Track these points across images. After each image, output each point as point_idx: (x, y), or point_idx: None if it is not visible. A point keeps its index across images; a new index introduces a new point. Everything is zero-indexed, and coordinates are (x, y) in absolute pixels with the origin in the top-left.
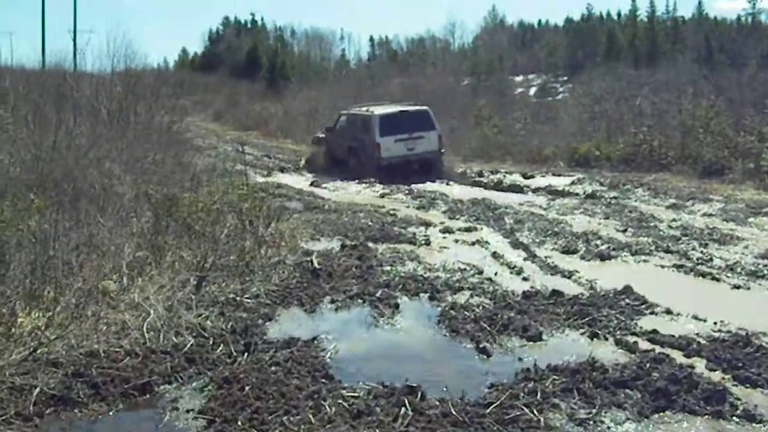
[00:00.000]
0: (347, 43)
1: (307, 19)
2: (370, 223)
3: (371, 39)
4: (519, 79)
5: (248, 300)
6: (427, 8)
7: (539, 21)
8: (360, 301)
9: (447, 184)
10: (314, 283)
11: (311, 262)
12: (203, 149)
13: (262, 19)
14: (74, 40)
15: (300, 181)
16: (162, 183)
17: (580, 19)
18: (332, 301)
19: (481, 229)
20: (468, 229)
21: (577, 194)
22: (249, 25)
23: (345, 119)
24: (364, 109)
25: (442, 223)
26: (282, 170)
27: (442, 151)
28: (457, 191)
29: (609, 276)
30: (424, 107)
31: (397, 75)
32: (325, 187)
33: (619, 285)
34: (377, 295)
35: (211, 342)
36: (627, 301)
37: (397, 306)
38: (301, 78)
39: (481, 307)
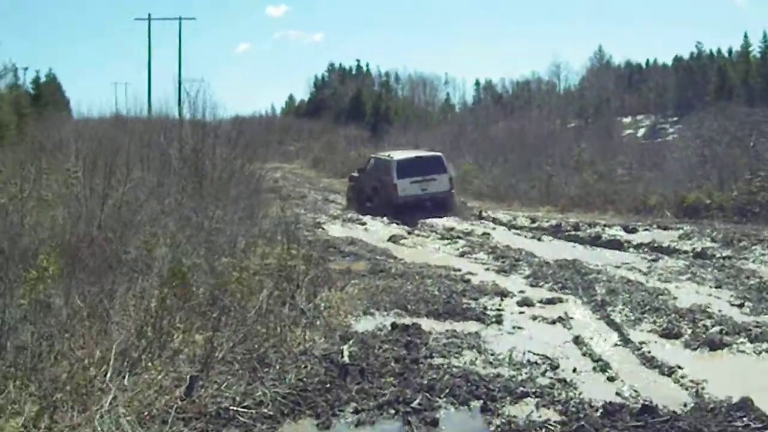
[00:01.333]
0: (452, 87)
1: (411, 64)
2: (436, 293)
3: (476, 82)
4: (627, 120)
5: (247, 410)
6: (532, 50)
7: (647, 60)
8: (392, 411)
9: (538, 239)
10: (340, 384)
11: (341, 352)
12: (291, 198)
13: (366, 65)
14: (179, 88)
15: (378, 234)
16: (211, 244)
17: (689, 58)
18: (356, 411)
19: (567, 300)
20: (551, 301)
21: (684, 252)
22: (354, 71)
23: (373, 162)
24: (387, 154)
25: (521, 292)
26: (363, 223)
27: (453, 191)
28: (547, 251)
29: (721, 376)
30: (438, 153)
31: (501, 118)
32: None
33: (734, 393)
34: (415, 403)
35: None
36: (745, 420)
37: (435, 423)
38: (404, 123)
39: (544, 430)
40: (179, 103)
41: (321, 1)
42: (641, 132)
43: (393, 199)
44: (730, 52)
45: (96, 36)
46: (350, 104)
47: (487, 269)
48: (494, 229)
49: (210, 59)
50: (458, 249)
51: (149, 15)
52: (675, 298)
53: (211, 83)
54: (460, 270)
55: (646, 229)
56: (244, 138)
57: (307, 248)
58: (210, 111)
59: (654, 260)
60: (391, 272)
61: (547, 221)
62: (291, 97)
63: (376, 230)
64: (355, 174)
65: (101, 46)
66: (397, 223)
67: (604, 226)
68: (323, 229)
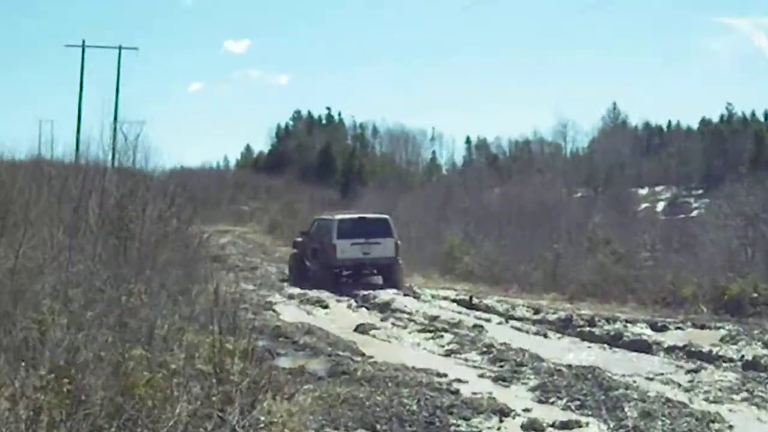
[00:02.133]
0: (438, 145)
1: (391, 116)
2: (415, 408)
3: (467, 140)
4: (644, 191)
5: None
6: (534, 106)
7: (668, 122)
8: None
9: (544, 336)
10: None
11: None
12: (239, 269)
13: (339, 114)
14: (114, 129)
15: (344, 320)
16: (124, 328)
17: (718, 121)
18: None
19: (587, 425)
20: (566, 426)
21: (730, 360)
22: (324, 121)
23: (316, 224)
24: (329, 215)
25: (526, 411)
26: (324, 306)
27: (399, 259)
28: (556, 352)
29: None
30: (384, 216)
31: (497, 183)
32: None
33: None
34: None
35: None
36: None
37: None
38: (381, 183)
39: None
40: (113, 148)
41: (289, 37)
42: (660, 206)
43: (331, 261)
44: (766, 116)
45: (24, 65)
46: (318, 159)
47: (481, 375)
48: (488, 320)
49: (158, 97)
50: (443, 346)
51: (83, 42)
52: (731, 428)
53: (156, 126)
54: (446, 376)
55: (679, 327)
56: (186, 193)
57: (249, 338)
58: (145, 158)
59: (694, 371)
60: (357, 375)
61: (553, 312)
62: (248, 148)
63: (341, 315)
64: (299, 239)
65: (28, 78)
66: (367, 307)
67: (626, 321)
68: (274, 311)
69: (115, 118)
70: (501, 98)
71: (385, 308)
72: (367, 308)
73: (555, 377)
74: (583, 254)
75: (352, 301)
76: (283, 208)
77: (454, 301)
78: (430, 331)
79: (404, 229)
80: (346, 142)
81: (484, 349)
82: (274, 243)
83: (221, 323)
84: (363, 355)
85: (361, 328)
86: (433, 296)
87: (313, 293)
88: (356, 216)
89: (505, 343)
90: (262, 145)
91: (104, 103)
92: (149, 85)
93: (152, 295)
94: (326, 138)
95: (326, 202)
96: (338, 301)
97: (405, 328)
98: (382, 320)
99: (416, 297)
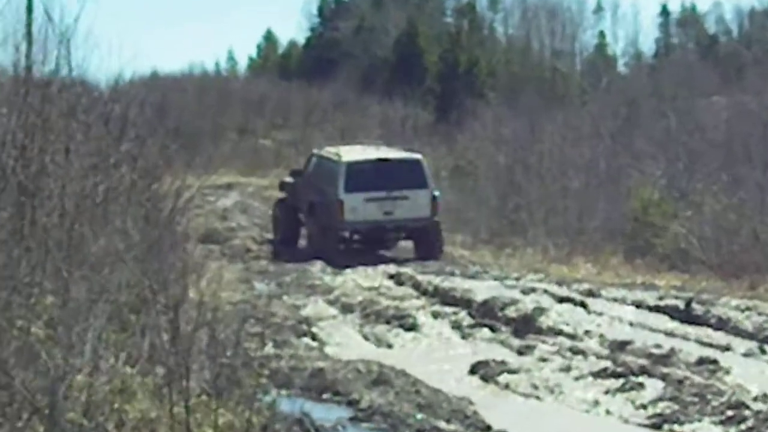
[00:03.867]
0: (609, 22)
1: None
2: None
3: (663, 10)
4: None
5: None
6: None
7: None
8: None
9: None
10: None
11: None
12: (250, 255)
13: None
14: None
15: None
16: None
17: None
18: None
19: None
20: None
21: None
22: None
23: (315, 162)
24: (336, 151)
25: None
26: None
27: (437, 220)
28: None
29: None
30: (416, 156)
31: (719, 87)
32: None
33: None
34: None
35: None
36: None
37: None
38: (509, 95)
39: None
40: (28, 40)
41: None
42: None
43: (335, 223)
44: None
45: None
46: (395, 53)
47: None
48: (726, 348)
49: None
50: (645, 407)
51: None
52: None
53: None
54: None
55: None
56: (156, 116)
57: (266, 412)
58: (84, 61)
59: None
60: None
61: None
62: (270, 36)
63: (441, 342)
64: (289, 179)
65: None
66: (491, 326)
67: None
68: (314, 335)
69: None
70: None
71: (524, 327)
72: (491, 327)
73: None
74: None
75: (463, 313)
76: (332, 142)
77: (654, 308)
78: (617, 376)
79: (555, 176)
80: (443, 21)
81: (728, 412)
82: None
83: (209, 370)
84: None
85: (481, 371)
86: (614, 299)
87: (392, 301)
88: (374, 157)
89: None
90: (292, 31)
91: None
92: None
93: (71, 316)
94: (408, 14)
95: (412, 128)
96: (436, 316)
97: (567, 369)
98: (519, 352)
99: (583, 304)
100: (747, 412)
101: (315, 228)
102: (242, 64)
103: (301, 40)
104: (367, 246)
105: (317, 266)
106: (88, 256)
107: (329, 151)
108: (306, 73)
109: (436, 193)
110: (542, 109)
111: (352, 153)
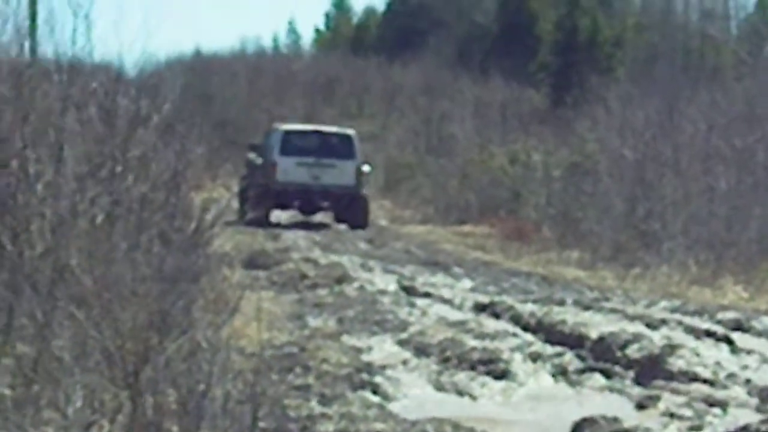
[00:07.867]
0: None
1: None
2: None
3: None
4: None
5: None
6: None
7: None
8: None
9: None
10: None
11: None
12: (310, 284)
13: None
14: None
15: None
16: None
17: None
18: None
19: None
20: None
21: None
22: None
23: (266, 135)
24: (282, 124)
25: None
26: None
27: (363, 190)
28: None
29: None
30: (348, 131)
31: None
32: None
33: None
34: None
35: None
36: None
37: None
38: (644, 70)
39: None
40: (32, 22)
41: None
42: None
43: (270, 183)
44: None
45: None
46: (498, 21)
47: None
48: None
49: None
50: None
51: None
52: None
53: None
54: None
55: None
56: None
57: None
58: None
59: None
60: None
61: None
62: (341, 4)
63: (545, 392)
64: (250, 155)
65: None
66: (606, 373)
67: None
68: (376, 388)
69: None
70: None
71: (649, 371)
72: (606, 373)
73: None
74: None
75: (570, 354)
76: (420, 133)
77: None
78: None
79: (697, 174)
80: None
81: None
82: (399, 212)
83: None
84: None
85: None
86: None
87: (480, 341)
88: (310, 128)
89: None
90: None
91: None
92: None
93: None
94: None
95: (511, 118)
96: (536, 358)
97: (698, 429)
98: (639, 405)
99: (728, 339)
100: None
101: (252, 188)
102: (307, 38)
103: (380, 6)
104: (299, 209)
105: (388, 296)
106: (78, 290)
107: (278, 125)
108: (386, 48)
109: (366, 168)
110: (685, 88)
111: (294, 124)
